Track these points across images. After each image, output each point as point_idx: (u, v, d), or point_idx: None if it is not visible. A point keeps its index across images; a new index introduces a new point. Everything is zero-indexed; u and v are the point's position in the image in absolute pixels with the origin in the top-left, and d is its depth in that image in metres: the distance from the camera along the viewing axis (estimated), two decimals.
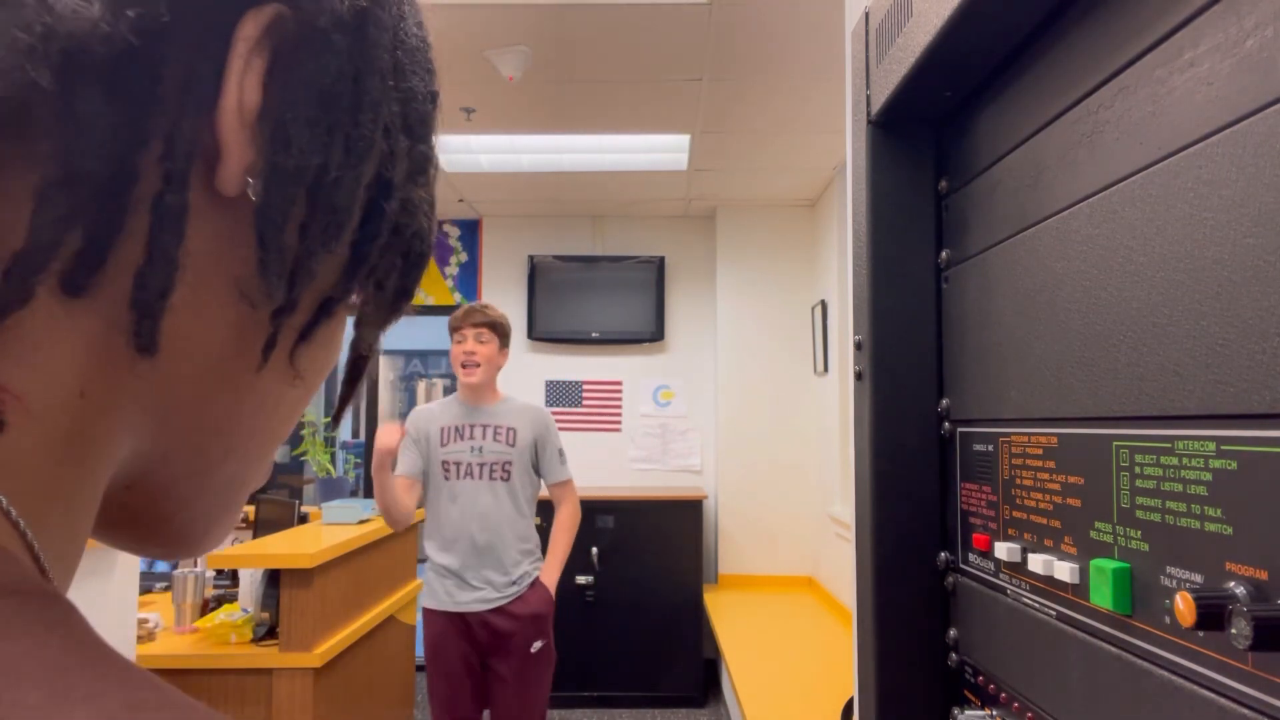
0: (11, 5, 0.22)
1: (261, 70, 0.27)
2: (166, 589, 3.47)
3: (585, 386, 5.22)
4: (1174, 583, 0.47)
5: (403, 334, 7.41)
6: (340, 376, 0.38)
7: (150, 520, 0.31)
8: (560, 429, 5.17)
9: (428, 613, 2.69)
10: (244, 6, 0.26)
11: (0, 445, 0.24)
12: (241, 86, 0.26)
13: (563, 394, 5.22)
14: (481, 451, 2.70)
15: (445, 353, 5.90)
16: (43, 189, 0.23)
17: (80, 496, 0.27)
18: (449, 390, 6.62)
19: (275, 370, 0.31)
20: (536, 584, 2.72)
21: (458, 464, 2.69)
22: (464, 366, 2.68)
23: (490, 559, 2.64)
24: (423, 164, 0.34)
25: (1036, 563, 0.61)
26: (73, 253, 0.24)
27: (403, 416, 2.77)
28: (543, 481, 2.82)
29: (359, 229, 0.31)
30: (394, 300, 0.35)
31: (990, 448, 0.71)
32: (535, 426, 2.77)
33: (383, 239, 0.32)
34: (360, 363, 0.37)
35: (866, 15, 0.83)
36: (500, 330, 2.73)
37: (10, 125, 0.23)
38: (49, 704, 0.18)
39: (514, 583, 2.66)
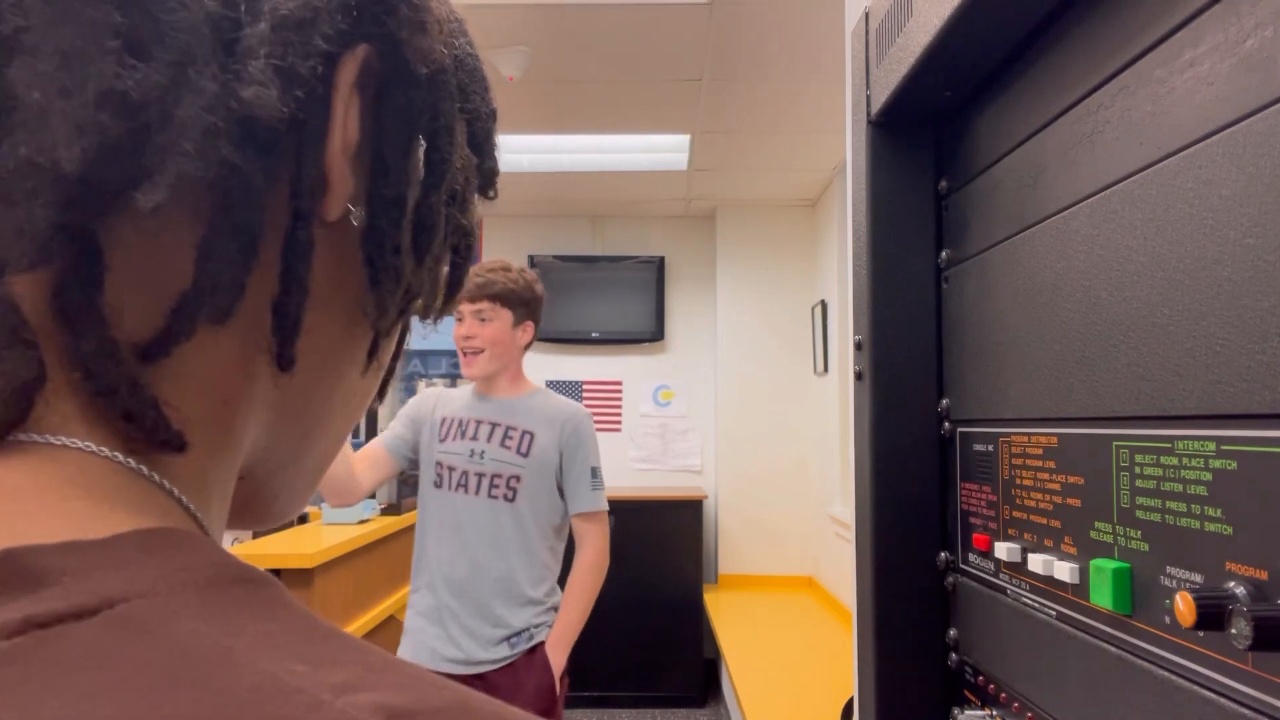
0: (192, 89, 0.25)
1: (359, 108, 0.29)
2: None
3: (585, 386, 5.22)
4: (1174, 583, 0.47)
5: None
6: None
7: (261, 500, 0.35)
8: None
9: None
10: (339, 49, 0.29)
11: (174, 458, 0.27)
12: (345, 126, 0.29)
13: (563, 394, 5.21)
14: (482, 458, 2.01)
15: (446, 353, 5.88)
16: (209, 239, 0.26)
17: (227, 490, 0.30)
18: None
19: (359, 363, 0.35)
20: (538, 653, 1.97)
21: (451, 469, 2.02)
22: (463, 355, 2.03)
23: (475, 604, 1.95)
24: (491, 178, 0.37)
25: (1036, 563, 0.61)
26: (221, 284, 0.27)
27: None
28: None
29: (443, 239, 0.35)
30: (449, 291, 0.38)
31: (990, 448, 0.71)
32: (564, 433, 2.05)
33: (450, 243, 0.36)
34: (401, 350, 0.40)
35: (866, 15, 0.83)
36: (512, 300, 2.07)
37: (193, 195, 0.26)
38: (312, 671, 0.21)
39: (507, 641, 1.95)
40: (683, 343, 5.23)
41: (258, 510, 0.35)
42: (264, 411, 0.31)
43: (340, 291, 0.32)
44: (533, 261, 5.15)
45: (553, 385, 5.25)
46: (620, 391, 5.21)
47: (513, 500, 2.01)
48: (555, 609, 2.06)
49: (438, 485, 2.05)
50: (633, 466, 5.16)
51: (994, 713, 0.70)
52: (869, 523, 0.80)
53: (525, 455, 2.03)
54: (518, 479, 2.02)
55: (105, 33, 0.24)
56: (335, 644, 0.23)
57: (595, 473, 2.10)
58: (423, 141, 0.32)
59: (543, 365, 5.22)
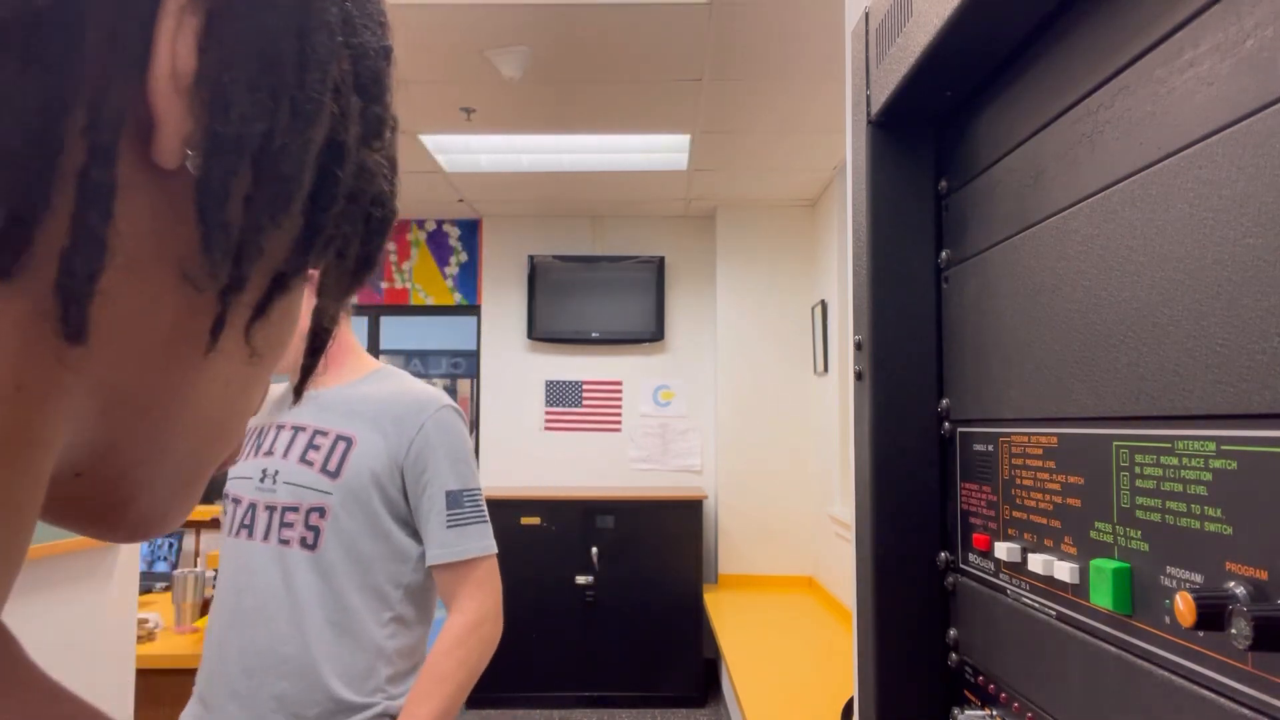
0: None
1: (196, 30, 0.25)
2: (166, 589, 3.47)
3: (585, 386, 5.22)
4: (1174, 583, 0.47)
5: (403, 334, 7.41)
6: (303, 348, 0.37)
7: (107, 506, 0.30)
8: (560, 429, 5.23)
9: None
10: None
11: None
12: (174, 49, 0.24)
13: (563, 394, 5.22)
14: (274, 482, 1.36)
15: (446, 352, 5.90)
16: None
17: (19, 494, 0.25)
18: (449, 391, 6.60)
19: (229, 349, 0.29)
20: None
21: (237, 502, 1.39)
22: None
23: (254, 698, 1.29)
24: (378, 126, 0.31)
25: (1036, 563, 0.61)
26: None
27: None
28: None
29: (312, 198, 0.29)
30: (356, 270, 0.33)
31: (990, 448, 0.71)
32: (405, 437, 1.36)
33: (339, 207, 0.30)
34: (322, 335, 0.35)
35: (866, 15, 0.83)
36: None
37: None
38: None
39: None
40: (683, 343, 5.23)
41: (111, 516, 0.30)
42: (80, 400, 0.26)
43: (167, 254, 0.26)
44: (533, 262, 5.15)
45: (552, 385, 5.23)
46: (620, 391, 5.21)
47: (313, 547, 1.32)
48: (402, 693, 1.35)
49: (222, 520, 1.42)
50: (633, 466, 5.16)
51: (994, 713, 0.70)
52: (869, 523, 0.80)
53: (335, 475, 1.33)
54: (322, 513, 1.32)
55: None
56: (14, 696, 0.19)
57: (460, 498, 1.36)
58: (282, 75, 0.27)
59: (543, 365, 5.22)
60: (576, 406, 5.21)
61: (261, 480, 1.36)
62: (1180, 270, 0.47)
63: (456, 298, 5.34)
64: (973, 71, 0.70)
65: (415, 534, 1.38)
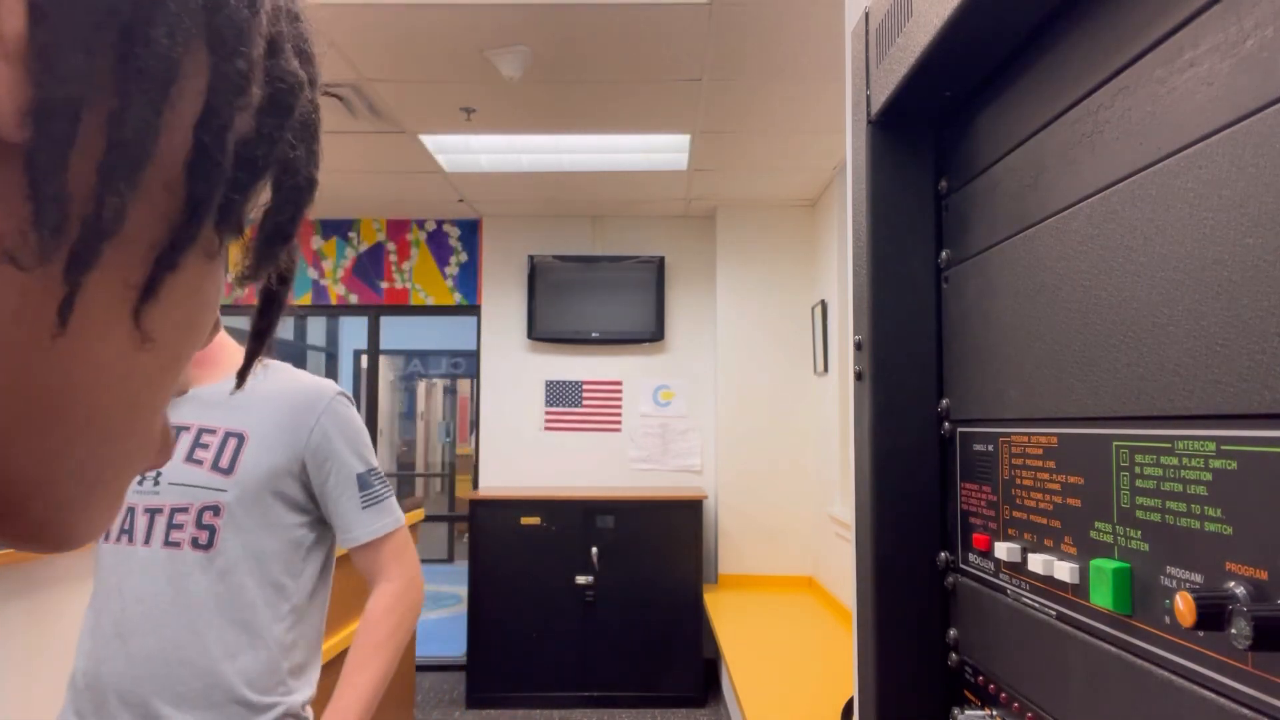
0: None
1: None
2: None
3: (585, 386, 5.22)
4: (1174, 583, 0.47)
5: (403, 334, 7.42)
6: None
7: (1, 511, 0.27)
8: (560, 429, 5.23)
9: None
10: None
11: None
12: (0, 12, 0.22)
13: (563, 394, 5.22)
14: (156, 484, 1.33)
15: (446, 352, 5.88)
16: None
17: None
18: (449, 391, 6.58)
19: (112, 335, 0.27)
20: None
21: (125, 507, 1.35)
22: None
23: (147, 707, 1.26)
24: (239, 84, 0.28)
25: (1036, 563, 0.61)
26: None
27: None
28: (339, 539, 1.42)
29: (188, 167, 0.27)
30: (266, 244, 0.31)
31: (990, 448, 0.71)
32: (302, 428, 1.37)
33: (221, 175, 0.27)
34: (265, 318, 0.33)
35: (866, 15, 0.83)
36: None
37: None
38: None
39: None
40: (683, 343, 5.23)
41: (9, 517, 0.28)
42: None
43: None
44: (533, 262, 5.15)
45: (552, 385, 5.23)
46: (620, 391, 5.21)
47: (208, 547, 1.30)
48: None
49: (100, 538, 1.32)
50: (633, 466, 5.16)
51: (994, 713, 0.70)
52: (869, 523, 0.80)
53: (228, 472, 1.32)
54: (216, 511, 1.30)
55: None
56: None
57: (369, 479, 1.41)
58: (120, 31, 0.24)
59: (543, 365, 5.22)
60: (576, 406, 5.22)
61: (140, 483, 1.32)
62: (1180, 270, 0.47)
63: (456, 298, 5.34)
64: (973, 71, 0.71)
65: (311, 523, 1.41)
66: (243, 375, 0.36)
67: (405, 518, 1.47)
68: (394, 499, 1.45)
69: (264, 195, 0.31)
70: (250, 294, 0.34)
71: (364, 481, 1.40)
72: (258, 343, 0.34)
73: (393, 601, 1.40)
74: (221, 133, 0.27)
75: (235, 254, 0.32)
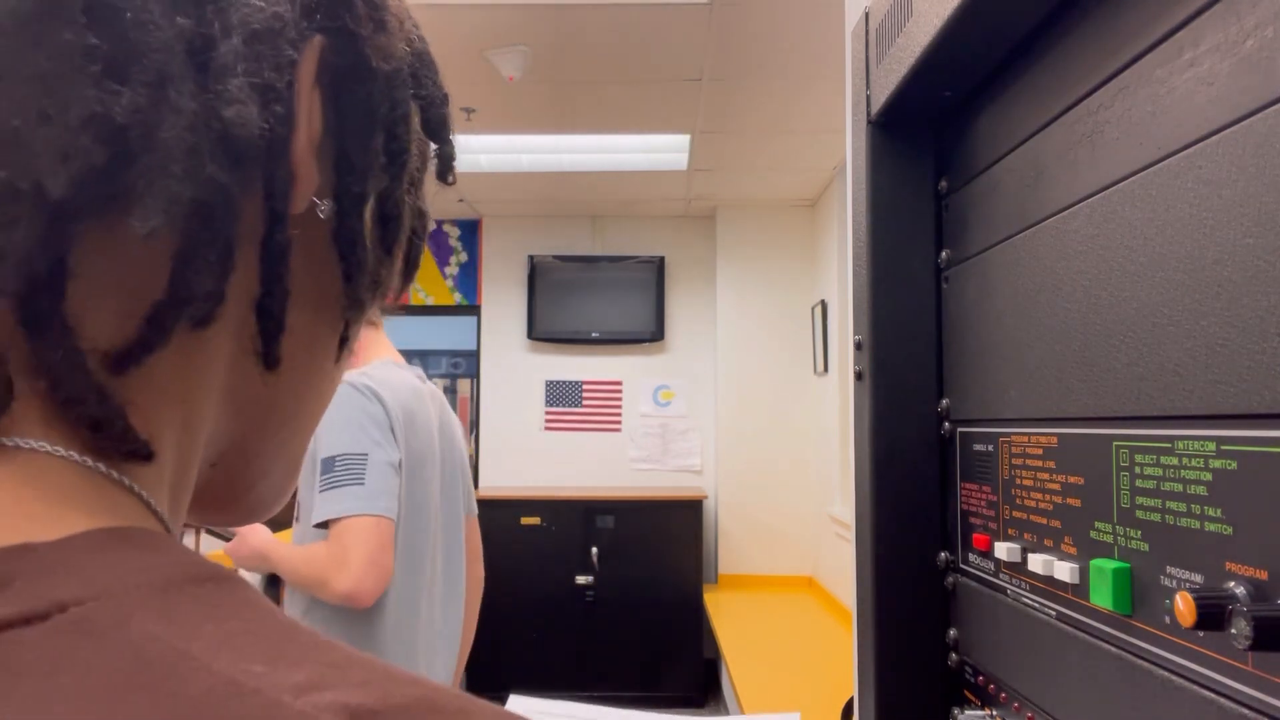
0: (173, 110, 0.24)
1: (320, 101, 0.29)
2: None
3: (585, 386, 5.22)
4: (1174, 583, 0.47)
5: (403, 334, 7.42)
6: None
7: (235, 490, 0.35)
8: (560, 429, 5.23)
9: None
10: (295, 43, 0.28)
11: (141, 464, 0.27)
12: (310, 121, 0.29)
13: (563, 394, 5.22)
14: None
15: (446, 352, 5.89)
16: (185, 250, 0.26)
17: (190, 485, 0.30)
18: (449, 391, 6.60)
19: (332, 356, 0.35)
20: None
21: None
22: None
23: None
24: (448, 162, 0.37)
25: (1036, 563, 0.61)
26: (202, 294, 0.27)
27: None
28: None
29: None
30: (406, 271, 0.38)
31: (990, 448, 0.71)
32: None
33: (409, 229, 0.36)
34: (350, 330, 0.41)
35: (866, 15, 0.83)
36: None
37: (181, 213, 0.26)
38: (271, 671, 0.21)
39: None
40: (683, 343, 5.23)
41: (233, 501, 0.35)
42: (226, 403, 0.31)
43: (315, 287, 0.32)
44: (533, 262, 5.15)
45: (552, 385, 5.23)
46: (620, 391, 5.21)
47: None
48: None
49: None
50: (633, 466, 5.16)
51: (994, 713, 0.70)
52: (869, 523, 0.80)
53: None
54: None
55: (82, 55, 0.23)
56: (298, 642, 0.22)
57: (332, 464, 1.43)
58: (382, 133, 0.32)
59: (543, 365, 5.22)
60: (576, 406, 5.21)
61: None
62: (1180, 270, 0.47)
63: (456, 298, 5.34)
64: (973, 71, 0.70)
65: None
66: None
67: (359, 513, 1.43)
68: (357, 488, 1.42)
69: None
70: None
71: (326, 465, 1.43)
72: (342, 348, 0.42)
73: (317, 553, 1.42)
74: (420, 197, 0.36)
75: None
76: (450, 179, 0.37)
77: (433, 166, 0.39)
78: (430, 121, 0.35)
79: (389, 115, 0.32)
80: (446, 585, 1.65)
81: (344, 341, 0.34)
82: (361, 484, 1.42)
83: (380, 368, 1.57)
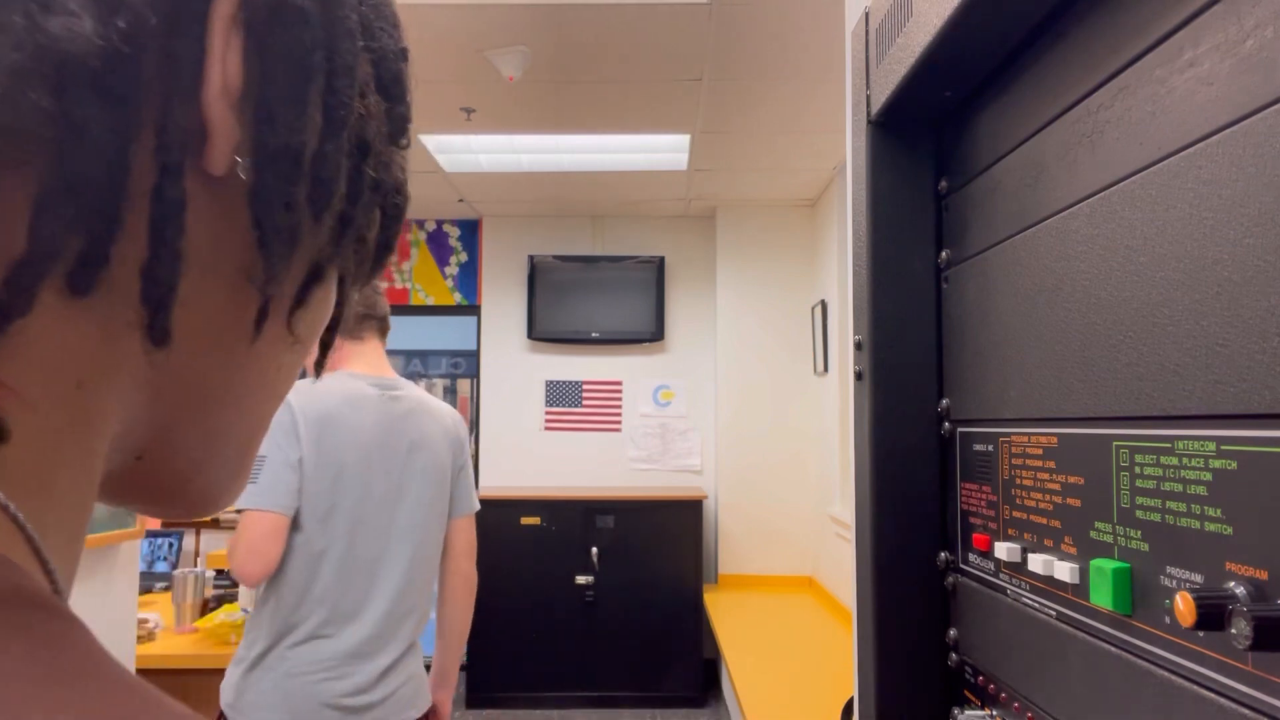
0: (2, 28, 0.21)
1: (240, 48, 0.26)
2: (166, 589, 3.47)
3: (585, 386, 5.22)
4: (1174, 583, 0.47)
5: (402, 334, 7.41)
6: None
7: (168, 485, 0.32)
8: (560, 429, 5.23)
9: None
10: None
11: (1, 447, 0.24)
12: (224, 67, 0.26)
13: (563, 394, 5.22)
14: None
15: (446, 352, 5.89)
16: (41, 198, 0.23)
17: (79, 483, 0.27)
18: (449, 391, 6.61)
19: (275, 337, 0.32)
20: None
21: None
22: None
23: None
24: (402, 125, 0.33)
25: (1036, 563, 0.61)
26: (75, 255, 0.24)
27: None
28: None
29: (345, 194, 0.31)
30: (377, 255, 0.35)
31: (990, 448, 0.71)
32: None
33: (365, 199, 0.32)
34: (339, 316, 0.37)
35: (866, 15, 0.83)
36: None
37: (9, 146, 0.23)
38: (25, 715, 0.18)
39: None
40: (683, 343, 5.23)
41: (172, 494, 0.32)
42: (131, 391, 0.28)
43: (225, 255, 0.28)
44: (533, 262, 5.15)
45: (552, 385, 5.23)
46: (620, 391, 5.21)
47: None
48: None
49: None
50: (633, 466, 5.16)
51: (994, 713, 0.70)
52: (869, 523, 0.80)
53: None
54: None
55: None
56: (80, 688, 0.20)
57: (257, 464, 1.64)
58: (317, 85, 0.28)
59: (543, 365, 5.22)
60: (576, 406, 5.21)
61: None
62: (1180, 270, 0.47)
63: (456, 298, 5.34)
64: (973, 71, 0.70)
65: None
66: (321, 363, 0.41)
67: (248, 508, 1.68)
68: (251, 486, 1.64)
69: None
70: None
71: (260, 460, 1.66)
72: (330, 334, 0.39)
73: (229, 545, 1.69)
74: (372, 163, 0.32)
75: None
76: (404, 142, 0.34)
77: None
78: (383, 77, 0.32)
79: (328, 66, 0.28)
80: (399, 566, 1.79)
81: (261, 320, 0.30)
82: (255, 483, 1.66)
83: (329, 378, 1.79)
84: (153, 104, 0.25)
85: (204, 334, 0.29)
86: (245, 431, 0.34)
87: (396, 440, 1.81)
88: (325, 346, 0.39)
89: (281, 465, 1.67)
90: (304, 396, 1.74)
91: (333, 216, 0.31)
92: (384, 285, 1.99)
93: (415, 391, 1.91)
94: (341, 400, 1.77)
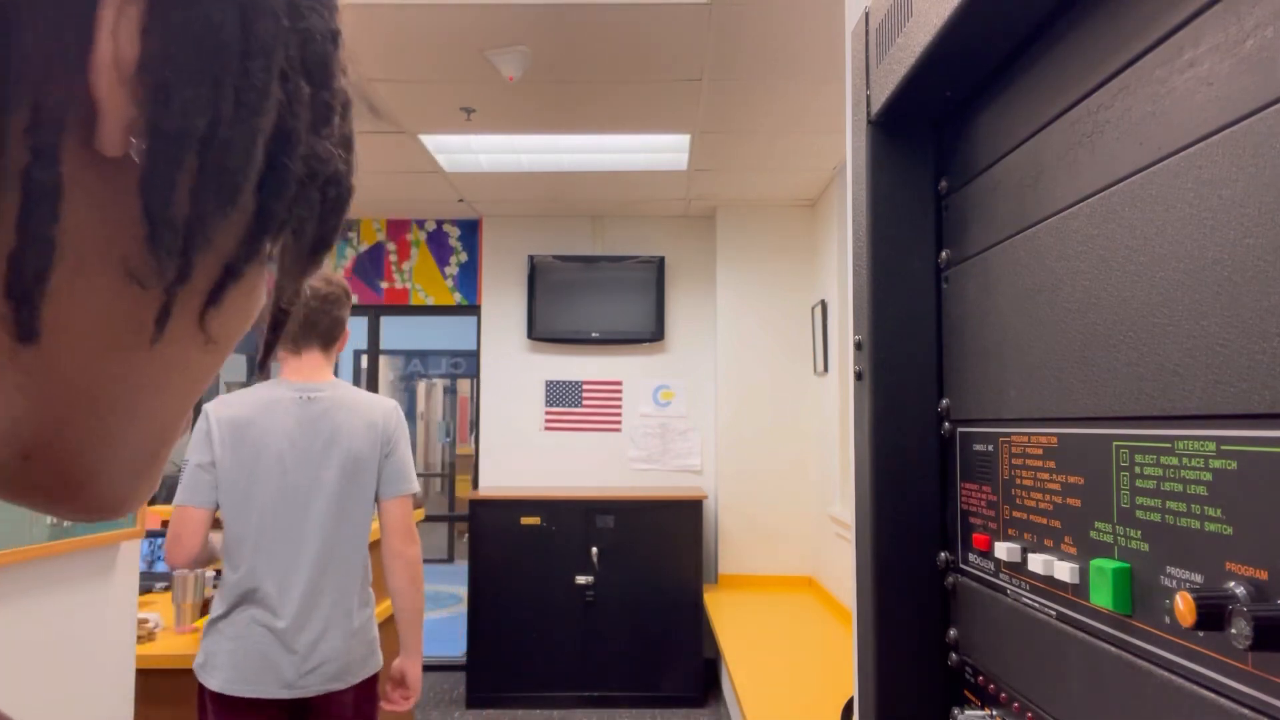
0: None
1: (138, 18, 0.24)
2: (166, 589, 3.47)
3: (585, 386, 5.22)
4: (1174, 583, 0.47)
5: (403, 334, 7.42)
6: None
7: (61, 487, 0.30)
8: (560, 429, 5.23)
9: None
10: None
11: None
12: (116, 38, 0.24)
13: (563, 394, 5.22)
14: None
15: (446, 353, 5.88)
16: None
17: None
18: (449, 391, 6.60)
19: (183, 338, 0.29)
20: None
21: None
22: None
23: None
24: (326, 112, 0.31)
25: (1036, 563, 0.61)
26: None
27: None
28: None
29: (261, 186, 0.29)
30: (312, 250, 0.33)
31: (990, 448, 0.71)
32: None
33: (290, 193, 0.30)
34: (283, 314, 0.35)
35: (866, 15, 0.83)
36: None
37: None
38: None
39: None
40: (683, 343, 5.23)
41: (68, 496, 0.30)
42: (15, 389, 0.26)
43: (113, 247, 0.26)
44: (533, 262, 5.15)
45: (552, 385, 5.24)
46: (620, 391, 5.21)
47: None
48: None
49: None
50: (633, 466, 5.16)
51: (994, 713, 0.70)
52: (869, 523, 0.80)
53: None
54: None
55: None
56: None
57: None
58: (224, 63, 0.26)
59: (543, 365, 5.22)
60: (576, 406, 5.21)
61: None
62: (1180, 270, 0.47)
63: (456, 298, 5.34)
64: (973, 71, 0.70)
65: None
66: (263, 364, 0.39)
67: (175, 504, 2.04)
68: (179, 487, 2.01)
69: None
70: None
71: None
72: (274, 335, 0.37)
73: None
74: (294, 154, 0.29)
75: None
76: (324, 130, 0.31)
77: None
78: (308, 60, 0.29)
79: (241, 44, 0.26)
80: (313, 546, 2.05)
81: (162, 319, 0.27)
82: (180, 483, 2.00)
83: (253, 387, 2.09)
84: (31, 78, 0.23)
85: (90, 333, 0.26)
86: (149, 434, 0.31)
87: (311, 437, 2.05)
88: (270, 346, 0.36)
89: (195, 467, 2.00)
90: (220, 404, 2.03)
91: (245, 210, 0.28)
92: (332, 290, 2.16)
93: (340, 391, 2.11)
94: (255, 406, 2.03)
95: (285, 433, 2.03)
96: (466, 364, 5.79)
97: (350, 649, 2.04)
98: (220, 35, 0.26)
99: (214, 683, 1.97)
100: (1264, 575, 0.40)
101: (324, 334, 2.10)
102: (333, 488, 2.05)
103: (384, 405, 2.16)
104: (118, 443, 0.30)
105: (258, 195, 0.29)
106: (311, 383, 2.08)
